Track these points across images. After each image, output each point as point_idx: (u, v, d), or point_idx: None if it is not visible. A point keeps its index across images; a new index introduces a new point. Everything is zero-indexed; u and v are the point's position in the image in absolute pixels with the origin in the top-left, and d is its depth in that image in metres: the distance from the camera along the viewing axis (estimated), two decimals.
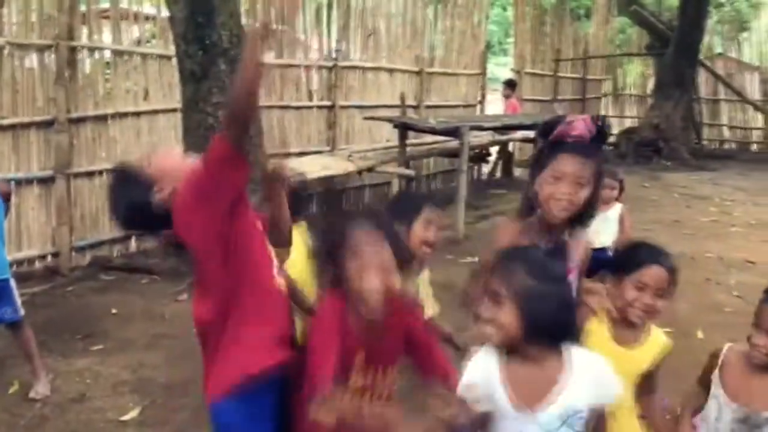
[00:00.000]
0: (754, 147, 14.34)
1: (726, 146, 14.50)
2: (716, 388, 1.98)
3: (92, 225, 5.78)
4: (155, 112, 6.28)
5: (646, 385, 2.04)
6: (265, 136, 5.25)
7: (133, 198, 1.89)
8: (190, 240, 1.84)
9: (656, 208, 8.22)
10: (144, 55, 6.23)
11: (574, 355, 1.63)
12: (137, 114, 6.15)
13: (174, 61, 5.45)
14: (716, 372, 2.00)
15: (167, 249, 2.00)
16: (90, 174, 5.76)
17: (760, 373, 1.89)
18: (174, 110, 6.06)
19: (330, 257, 1.83)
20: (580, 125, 1.95)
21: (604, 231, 3.87)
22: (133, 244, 6.09)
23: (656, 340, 2.06)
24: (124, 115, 6.02)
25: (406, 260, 1.87)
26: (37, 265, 5.48)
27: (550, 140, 1.97)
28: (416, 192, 7.17)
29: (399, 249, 1.83)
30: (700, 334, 4.35)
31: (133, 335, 4.32)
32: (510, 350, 1.63)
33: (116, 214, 1.96)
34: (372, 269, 1.76)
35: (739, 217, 8.09)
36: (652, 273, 1.97)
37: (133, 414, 3.35)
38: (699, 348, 3.92)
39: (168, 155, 1.97)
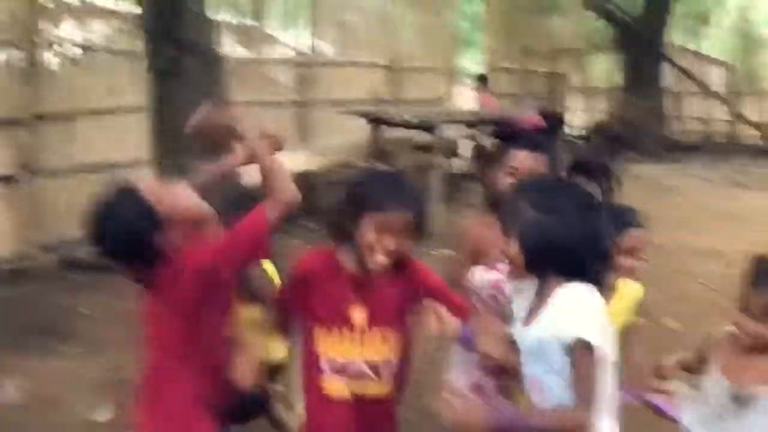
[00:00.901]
0: (719, 139, 14.66)
1: (692, 138, 14.80)
2: (713, 368, 2.04)
3: (60, 224, 5.66)
4: (123, 109, 6.18)
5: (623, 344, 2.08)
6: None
7: (133, 225, 1.69)
8: (178, 292, 1.74)
9: (625, 200, 8.34)
10: (111, 52, 6.13)
11: (568, 288, 1.59)
12: (104, 111, 6.04)
13: (142, 57, 5.37)
14: (714, 353, 2.06)
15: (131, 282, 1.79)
16: (56, 172, 5.65)
17: (747, 353, 1.96)
18: (142, 108, 5.97)
19: (352, 212, 1.76)
20: (530, 117, 2.00)
21: None
22: None
23: (626, 294, 2.12)
24: (90, 112, 5.92)
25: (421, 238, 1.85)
26: (3, 266, 5.36)
27: (503, 135, 2.02)
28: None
29: (420, 234, 1.82)
30: (669, 323, 4.44)
31: (107, 335, 4.25)
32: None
33: (102, 233, 1.73)
34: (385, 250, 1.75)
35: (706, 207, 8.27)
36: (639, 236, 2.03)
37: (108, 415, 3.31)
38: (668, 337, 4.01)
39: (183, 195, 1.77)
